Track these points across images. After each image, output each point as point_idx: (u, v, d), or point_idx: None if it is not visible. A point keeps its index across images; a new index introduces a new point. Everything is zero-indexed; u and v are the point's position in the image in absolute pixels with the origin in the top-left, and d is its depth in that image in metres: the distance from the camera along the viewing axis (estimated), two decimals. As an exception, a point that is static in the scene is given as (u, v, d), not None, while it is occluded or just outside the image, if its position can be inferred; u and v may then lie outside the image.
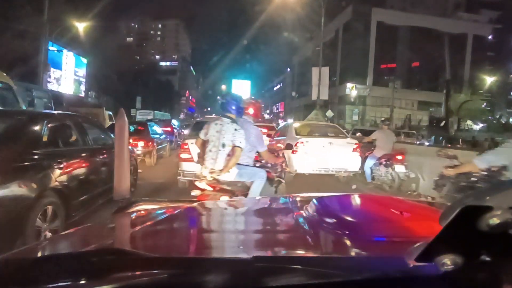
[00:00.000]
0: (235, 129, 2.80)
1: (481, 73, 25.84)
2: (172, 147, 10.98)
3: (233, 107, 2.91)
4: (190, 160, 5.09)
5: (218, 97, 5.31)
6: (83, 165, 3.34)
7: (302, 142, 6.21)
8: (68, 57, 18.47)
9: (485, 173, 2.63)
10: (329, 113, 27.90)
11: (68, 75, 18.79)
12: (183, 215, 1.03)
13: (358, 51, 32.65)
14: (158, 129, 10.01)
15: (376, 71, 33.32)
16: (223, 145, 2.79)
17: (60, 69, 17.85)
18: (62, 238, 0.99)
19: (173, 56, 69.79)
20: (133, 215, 1.07)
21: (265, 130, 12.02)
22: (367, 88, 32.46)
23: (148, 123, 9.67)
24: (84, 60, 20.38)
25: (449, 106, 17.61)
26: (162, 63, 65.55)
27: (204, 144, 2.98)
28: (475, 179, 2.74)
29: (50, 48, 13.53)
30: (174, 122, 16.97)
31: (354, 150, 6.40)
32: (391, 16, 31.94)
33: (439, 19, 32.57)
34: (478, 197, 0.44)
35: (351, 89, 31.86)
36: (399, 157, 5.70)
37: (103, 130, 4.46)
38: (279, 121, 50.32)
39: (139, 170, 5.26)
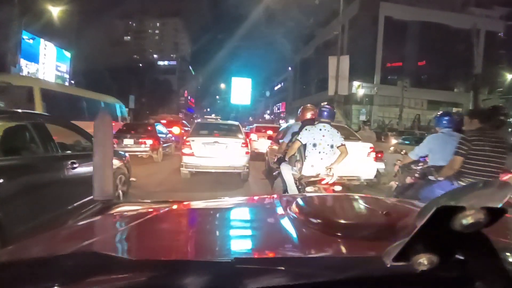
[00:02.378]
0: (337, 132, 3.47)
1: (497, 71, 24.25)
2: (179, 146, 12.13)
3: (328, 114, 3.46)
4: (191, 154, 6.10)
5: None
6: (37, 179, 2.65)
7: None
8: (47, 49, 16.20)
9: (418, 161, 3.53)
10: (334, 113, 26.49)
11: (47, 69, 16.46)
12: (165, 217, 1.02)
13: (365, 48, 31.02)
14: (163, 129, 10.88)
15: (383, 69, 31.69)
16: (332, 146, 3.39)
17: (37, 62, 15.54)
18: (37, 241, 0.90)
19: (172, 55, 68.31)
20: (114, 217, 1.05)
21: (270, 132, 10.61)
22: (375, 87, 30.84)
23: (155, 124, 10.45)
24: (68, 54, 17.98)
25: (478, 105, 15.98)
26: (160, 62, 64.24)
27: (300, 148, 3.42)
28: (414, 166, 3.59)
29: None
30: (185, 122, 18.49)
31: (369, 154, 5.64)
32: (400, 10, 30.30)
33: (449, 14, 30.98)
34: (452, 198, 0.46)
35: (357, 88, 30.25)
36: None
37: (83, 135, 3.64)
38: (280, 121, 48.97)
39: (132, 179, 4.56)
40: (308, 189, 3.28)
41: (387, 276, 0.48)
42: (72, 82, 21.37)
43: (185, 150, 6.23)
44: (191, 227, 0.98)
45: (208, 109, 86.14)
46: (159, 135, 9.70)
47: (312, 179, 3.28)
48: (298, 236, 0.75)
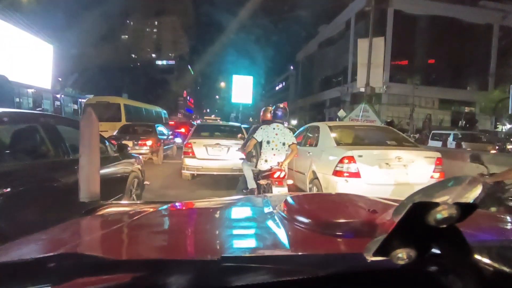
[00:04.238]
0: (289, 131, 3.79)
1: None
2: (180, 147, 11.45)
3: (282, 114, 3.75)
4: (193, 156, 6.18)
5: (271, 108, 4.24)
6: (46, 186, 2.38)
7: (353, 158, 3.67)
8: (21, 39, 13.36)
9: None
10: (341, 113, 24.66)
11: (22, 63, 13.41)
12: (152, 218, 1.01)
13: (373, 44, 29.42)
14: (164, 130, 10.71)
15: (392, 66, 30.00)
16: (283, 144, 3.66)
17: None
18: (20, 243, 0.85)
19: (170, 54, 66.74)
20: (100, 218, 1.04)
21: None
22: (383, 85, 29.11)
23: (156, 125, 10.15)
24: (49, 47, 15.34)
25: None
26: (159, 62, 62.89)
27: (256, 145, 3.77)
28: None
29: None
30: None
31: (435, 169, 3.82)
32: (410, 4, 28.58)
33: (463, 7, 29.34)
34: (426, 194, 0.48)
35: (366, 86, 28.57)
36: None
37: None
38: (282, 122, 47.03)
39: (146, 182, 4.39)
40: (262, 182, 3.53)
41: (368, 272, 0.50)
42: (59, 79, 19.66)
43: (187, 153, 6.22)
44: (178, 227, 0.97)
45: (208, 110, 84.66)
46: (160, 136, 9.42)
47: (266, 173, 3.49)
48: (284, 234, 0.75)
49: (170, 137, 11.06)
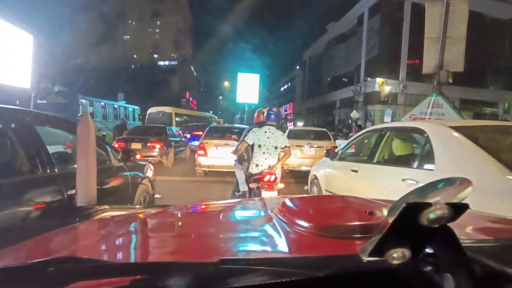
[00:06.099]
0: (282, 134, 3.66)
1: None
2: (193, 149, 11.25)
3: (275, 117, 3.66)
4: (205, 155, 7.07)
5: (267, 109, 3.95)
6: (18, 220, 1.65)
7: None
8: None
9: None
10: (354, 114, 22.60)
11: None
12: (149, 221, 1.02)
13: (388, 40, 27.37)
14: (177, 132, 10.76)
15: (409, 64, 27.93)
16: (276, 148, 3.56)
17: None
18: (18, 248, 0.84)
19: (172, 55, 65.24)
20: (97, 222, 1.04)
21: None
22: (400, 84, 27.04)
23: (167, 127, 9.83)
24: (28, 37, 12.52)
25: None
26: (161, 63, 61.52)
27: (247, 148, 3.71)
28: None
29: None
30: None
31: None
32: (429, -4, 26.54)
33: (485, 1, 27.19)
34: (419, 195, 0.49)
35: (381, 85, 26.46)
36: None
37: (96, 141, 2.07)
38: (288, 124, 45.39)
39: (157, 196, 3.66)
40: (252, 185, 3.46)
41: (364, 273, 0.50)
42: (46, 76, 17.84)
43: (200, 152, 7.07)
44: (176, 230, 0.97)
45: (211, 111, 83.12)
46: (172, 138, 9.33)
47: (257, 176, 3.39)
48: (282, 236, 0.76)
49: (183, 139, 11.10)
